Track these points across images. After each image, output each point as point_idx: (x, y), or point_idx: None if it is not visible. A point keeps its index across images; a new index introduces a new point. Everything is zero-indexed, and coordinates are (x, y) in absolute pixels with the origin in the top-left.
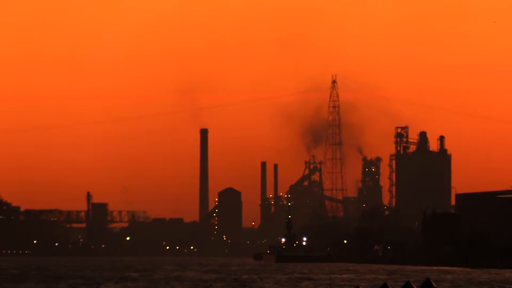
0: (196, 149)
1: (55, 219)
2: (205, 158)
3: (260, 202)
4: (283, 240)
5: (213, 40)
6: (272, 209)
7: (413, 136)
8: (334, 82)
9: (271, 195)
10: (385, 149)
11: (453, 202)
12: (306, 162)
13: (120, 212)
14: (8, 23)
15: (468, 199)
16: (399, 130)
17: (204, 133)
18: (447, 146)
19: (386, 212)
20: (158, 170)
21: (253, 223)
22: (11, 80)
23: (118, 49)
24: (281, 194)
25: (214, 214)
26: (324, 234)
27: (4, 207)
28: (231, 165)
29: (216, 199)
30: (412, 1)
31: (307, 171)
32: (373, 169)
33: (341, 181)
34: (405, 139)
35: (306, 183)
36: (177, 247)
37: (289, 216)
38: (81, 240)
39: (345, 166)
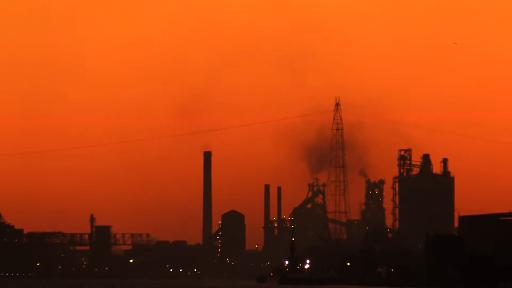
0: (199, 171)
1: (58, 241)
2: (209, 181)
3: (263, 225)
4: (287, 262)
5: (216, 62)
6: (276, 231)
7: (416, 159)
8: (337, 104)
9: (274, 218)
10: (388, 171)
11: (456, 224)
12: (309, 185)
13: (123, 234)
14: (13, 47)
15: (471, 222)
16: (402, 152)
17: (207, 155)
18: (450, 168)
19: (390, 235)
20: (162, 193)
21: (256, 246)
22: (14, 103)
23: (120, 72)
24: (284, 216)
25: (218, 237)
26: (328, 257)
27: (7, 230)
28: (234, 188)
29: (220, 222)
30: (418, 23)
31: (310, 194)
32: (376, 192)
33: (345, 204)
34: (408, 162)
35: (309, 205)
36: (181, 270)
37: (293, 239)
38: (84, 262)
39: (348, 188)
